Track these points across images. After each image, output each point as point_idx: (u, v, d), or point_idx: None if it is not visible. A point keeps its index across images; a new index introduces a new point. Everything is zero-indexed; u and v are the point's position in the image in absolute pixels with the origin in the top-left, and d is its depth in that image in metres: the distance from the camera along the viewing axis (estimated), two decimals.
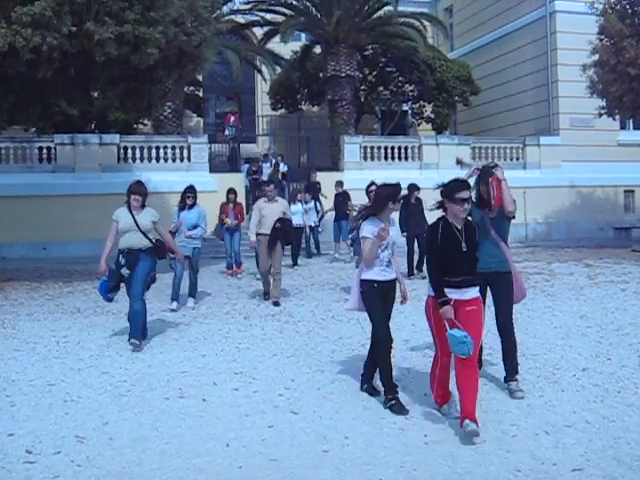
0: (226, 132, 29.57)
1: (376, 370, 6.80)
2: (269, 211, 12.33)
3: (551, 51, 27.57)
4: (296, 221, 17.88)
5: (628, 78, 20.67)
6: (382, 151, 25.63)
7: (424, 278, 12.76)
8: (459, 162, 25.49)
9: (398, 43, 28.70)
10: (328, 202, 20.32)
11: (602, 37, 21.97)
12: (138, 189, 9.17)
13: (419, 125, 32.95)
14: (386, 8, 28.16)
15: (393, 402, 6.33)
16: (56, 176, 21.59)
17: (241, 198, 19.42)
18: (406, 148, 25.90)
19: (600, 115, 23.30)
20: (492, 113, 31.08)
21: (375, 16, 28.44)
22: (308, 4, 28.03)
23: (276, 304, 12.13)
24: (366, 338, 9.31)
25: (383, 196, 6.58)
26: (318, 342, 9.24)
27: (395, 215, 7.13)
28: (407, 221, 14.97)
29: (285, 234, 12.44)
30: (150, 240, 9.08)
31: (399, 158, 25.70)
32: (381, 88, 31.32)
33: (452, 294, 5.83)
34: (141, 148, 22.89)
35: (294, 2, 28.13)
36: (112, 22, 13.11)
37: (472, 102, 30.79)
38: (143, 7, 13.42)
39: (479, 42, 32.23)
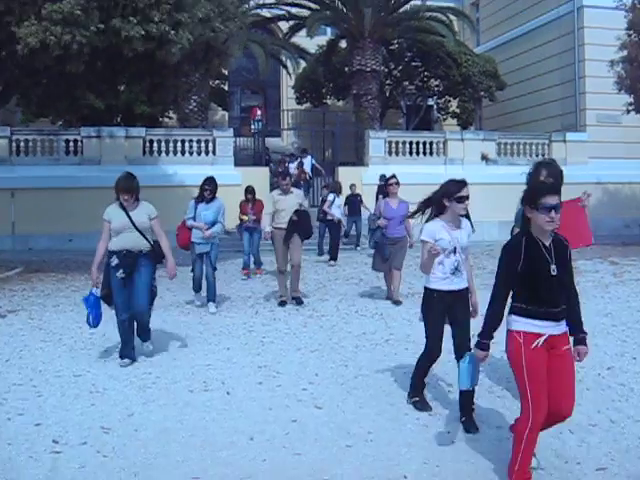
0: (252, 126, 29.61)
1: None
2: (285, 203, 11.40)
3: (579, 46, 27.35)
4: (336, 215, 18.18)
5: None
6: (407, 146, 25.55)
7: None
8: (484, 158, 25.39)
9: (424, 38, 28.63)
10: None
11: (631, 32, 21.75)
12: (127, 186, 7.70)
13: (444, 120, 32.85)
14: (412, 2, 28.06)
15: (417, 399, 6.31)
16: (82, 168, 21.77)
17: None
18: (431, 143, 25.79)
19: (628, 112, 23.06)
20: (518, 109, 30.87)
21: (401, 10, 28.36)
22: None
23: (298, 301, 11.63)
24: (390, 334, 9.36)
25: (438, 193, 5.92)
26: (342, 337, 9.24)
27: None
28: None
29: (303, 227, 11.45)
30: (149, 241, 7.85)
31: (424, 153, 25.60)
32: (406, 83, 31.28)
33: (546, 328, 4.53)
34: (166, 141, 23.00)
35: None
36: (138, 20, 13.14)
37: (498, 97, 30.63)
38: (170, 6, 13.43)
39: (506, 37, 32.03)
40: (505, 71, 30.51)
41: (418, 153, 25.55)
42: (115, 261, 7.66)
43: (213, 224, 11.03)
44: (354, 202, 20.13)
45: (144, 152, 22.73)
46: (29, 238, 20.53)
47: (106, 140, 22.19)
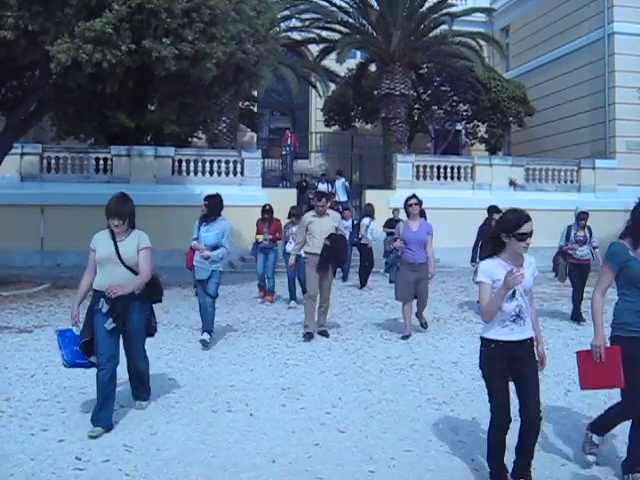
0: (283, 151, 29.69)
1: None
2: (319, 227, 10.49)
3: (609, 73, 27.25)
4: (370, 239, 17.71)
5: None
6: (435, 170, 25.51)
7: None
8: (512, 183, 25.29)
9: (453, 62, 28.72)
10: None
11: None
12: (117, 209, 6.37)
13: (472, 145, 32.81)
14: (442, 27, 28.15)
15: None
16: (111, 186, 21.87)
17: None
18: (459, 168, 25.74)
19: None
20: (547, 135, 30.78)
21: (431, 35, 28.46)
22: (364, 22, 28.16)
23: (324, 334, 10.75)
24: (414, 359, 9.30)
25: (497, 227, 5.12)
26: (366, 361, 9.20)
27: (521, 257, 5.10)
28: (484, 249, 13.35)
29: (337, 253, 10.55)
30: None
31: (452, 178, 25.56)
32: (435, 107, 31.32)
33: None
34: (195, 161, 23.18)
35: (350, 20, 28.29)
36: (170, 40, 13.29)
37: (527, 123, 30.56)
38: (204, 23, 13.58)
39: (535, 63, 32.01)
40: (534, 97, 30.45)
41: (446, 178, 25.50)
42: (105, 307, 6.24)
43: (214, 248, 9.79)
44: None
45: (173, 172, 22.91)
46: (57, 254, 20.72)
47: (136, 159, 22.41)
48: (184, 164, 23.04)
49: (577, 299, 12.47)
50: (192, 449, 5.79)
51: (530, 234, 4.84)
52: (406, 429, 6.39)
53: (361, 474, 5.34)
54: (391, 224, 18.82)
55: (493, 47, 30.55)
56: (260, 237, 14.14)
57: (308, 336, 10.50)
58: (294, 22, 28.86)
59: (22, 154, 21.58)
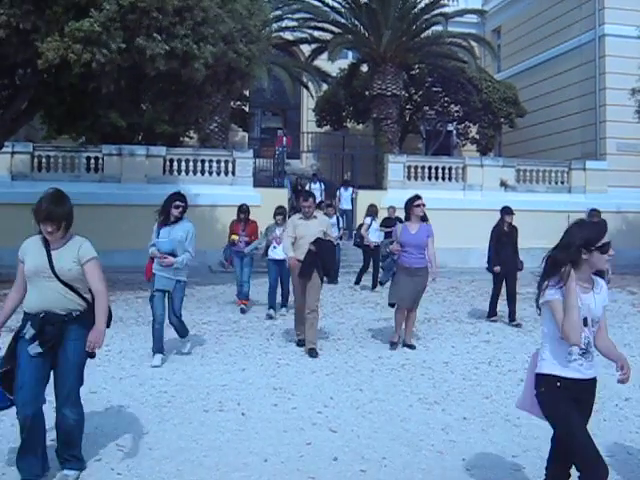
0: (276, 152, 29.66)
1: None
2: (305, 230, 9.69)
3: (599, 75, 27.32)
4: (373, 239, 17.31)
5: None
6: (426, 171, 25.51)
7: (517, 326, 11.97)
8: (503, 184, 25.35)
9: (445, 63, 28.76)
10: None
11: None
12: (50, 212, 5.17)
13: (463, 146, 32.86)
14: (434, 28, 28.18)
15: None
16: (103, 186, 21.92)
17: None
18: (450, 169, 25.75)
19: None
20: (538, 136, 30.86)
21: (423, 36, 28.45)
22: (356, 22, 28.14)
23: (312, 352, 9.42)
24: (406, 359, 9.32)
25: (577, 241, 4.20)
26: (357, 360, 9.22)
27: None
28: (498, 253, 12.48)
29: (323, 260, 9.57)
30: (82, 296, 5.11)
31: (442, 178, 25.56)
32: (426, 108, 31.33)
33: None
34: (187, 161, 23.13)
35: (342, 20, 28.29)
36: (162, 38, 13.28)
37: (518, 124, 30.62)
38: (194, 22, 13.58)
39: (526, 64, 32.09)
40: (525, 98, 30.52)
41: (437, 178, 25.49)
42: (30, 332, 4.92)
43: (171, 255, 8.61)
44: (394, 226, 19.19)
45: (164, 171, 22.84)
46: None
47: (127, 158, 22.34)
48: (175, 164, 22.98)
49: None
50: (184, 448, 5.80)
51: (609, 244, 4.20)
52: (397, 428, 6.42)
53: (353, 473, 5.36)
54: (388, 223, 18.36)
55: (485, 48, 30.59)
56: (236, 237, 13.20)
57: (301, 342, 9.97)
58: (286, 22, 28.82)
59: (13, 153, 21.45)
